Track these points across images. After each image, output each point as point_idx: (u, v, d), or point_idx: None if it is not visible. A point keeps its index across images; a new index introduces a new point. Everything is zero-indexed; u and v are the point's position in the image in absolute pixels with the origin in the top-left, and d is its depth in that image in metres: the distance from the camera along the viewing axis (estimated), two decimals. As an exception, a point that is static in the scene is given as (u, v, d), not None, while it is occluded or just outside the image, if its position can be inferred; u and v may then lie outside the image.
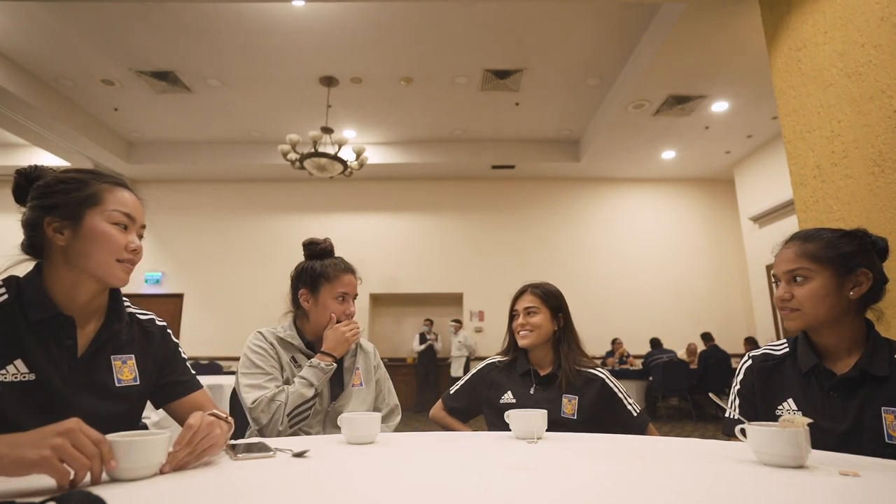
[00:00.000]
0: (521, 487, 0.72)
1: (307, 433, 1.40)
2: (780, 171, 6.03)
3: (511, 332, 1.65)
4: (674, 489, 0.71)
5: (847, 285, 1.09)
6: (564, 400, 1.50)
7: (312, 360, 1.42)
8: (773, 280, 1.20)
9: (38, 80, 5.96)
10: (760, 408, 1.19)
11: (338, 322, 1.49)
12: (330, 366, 1.42)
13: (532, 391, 1.55)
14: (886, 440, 1.00)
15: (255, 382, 1.37)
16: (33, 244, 0.96)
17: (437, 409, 1.72)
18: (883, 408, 1.03)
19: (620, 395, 1.53)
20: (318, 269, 1.51)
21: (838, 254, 1.10)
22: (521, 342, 1.58)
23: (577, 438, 1.17)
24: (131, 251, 0.98)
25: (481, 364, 1.70)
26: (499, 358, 1.68)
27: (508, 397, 1.56)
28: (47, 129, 6.42)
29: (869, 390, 1.05)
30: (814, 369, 1.13)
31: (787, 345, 1.22)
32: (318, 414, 1.44)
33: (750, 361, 1.26)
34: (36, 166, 0.99)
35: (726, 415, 1.22)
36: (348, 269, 1.54)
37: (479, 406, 1.65)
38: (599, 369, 1.57)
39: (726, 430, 1.22)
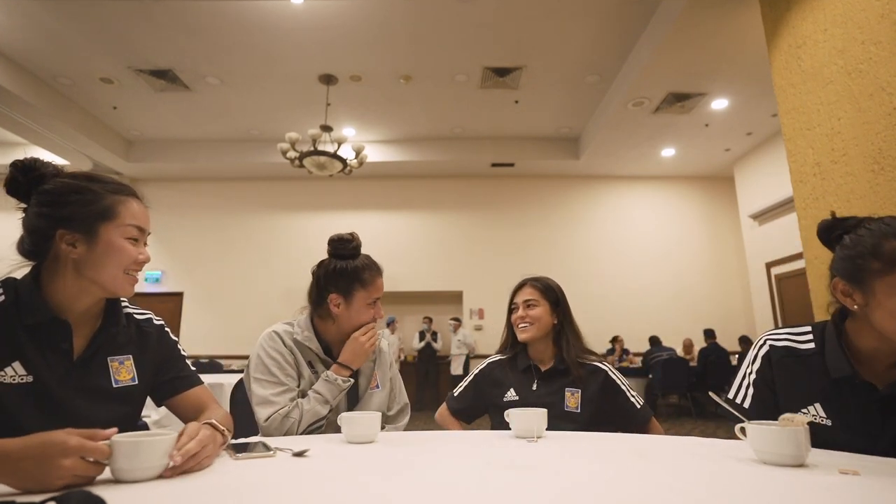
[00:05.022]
0: (521, 486, 0.72)
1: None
2: (779, 168, 6.03)
3: (510, 326, 1.63)
4: (673, 488, 0.71)
5: None
6: (567, 393, 1.50)
7: (328, 373, 1.32)
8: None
9: (37, 79, 5.94)
10: (782, 405, 1.05)
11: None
12: (347, 381, 1.32)
13: (534, 387, 1.54)
14: None
15: (267, 395, 1.27)
16: (38, 251, 0.95)
17: (443, 412, 1.69)
18: None
19: (623, 387, 1.53)
20: (351, 271, 1.37)
21: None
22: (521, 335, 1.57)
23: (577, 437, 1.17)
24: (140, 263, 0.99)
25: (482, 364, 1.68)
26: (499, 356, 1.67)
27: (511, 395, 1.55)
28: (46, 128, 6.40)
29: None
30: (848, 378, 0.98)
31: (812, 339, 1.06)
32: (332, 424, 1.36)
33: (768, 349, 1.10)
34: (35, 160, 0.95)
35: (735, 400, 1.11)
36: (381, 271, 1.45)
37: (483, 406, 1.63)
38: (602, 362, 1.56)
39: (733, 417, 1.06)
